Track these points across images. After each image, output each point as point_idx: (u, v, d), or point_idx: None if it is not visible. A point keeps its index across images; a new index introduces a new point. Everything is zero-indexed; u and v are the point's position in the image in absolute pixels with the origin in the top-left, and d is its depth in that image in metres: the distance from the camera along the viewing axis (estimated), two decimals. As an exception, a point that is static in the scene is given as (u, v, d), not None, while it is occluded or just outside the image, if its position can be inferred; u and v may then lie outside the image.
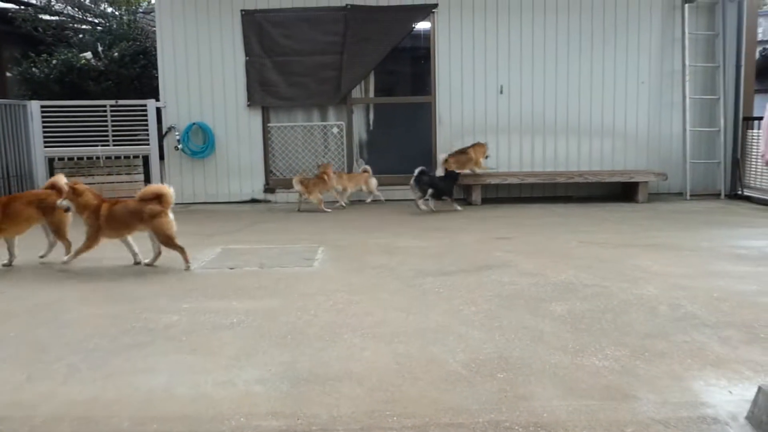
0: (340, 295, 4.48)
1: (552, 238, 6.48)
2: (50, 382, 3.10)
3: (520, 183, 9.34)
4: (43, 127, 9.34)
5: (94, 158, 9.47)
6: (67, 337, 3.73)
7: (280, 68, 9.57)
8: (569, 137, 9.71)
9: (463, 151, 9.01)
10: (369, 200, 9.40)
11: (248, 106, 9.62)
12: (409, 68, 10.54)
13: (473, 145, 9.06)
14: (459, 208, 8.47)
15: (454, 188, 8.66)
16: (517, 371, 3.11)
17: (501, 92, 9.62)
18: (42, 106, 9.35)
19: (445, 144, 9.60)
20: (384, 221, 7.81)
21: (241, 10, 9.48)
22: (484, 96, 9.63)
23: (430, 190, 8.22)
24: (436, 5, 9.47)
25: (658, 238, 6.43)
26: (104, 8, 12.84)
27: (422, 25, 9.68)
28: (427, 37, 9.72)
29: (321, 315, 4.05)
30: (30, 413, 2.75)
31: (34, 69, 10.43)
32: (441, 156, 9.05)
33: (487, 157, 9.15)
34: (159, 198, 5.34)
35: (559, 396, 2.83)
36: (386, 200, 9.49)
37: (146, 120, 9.50)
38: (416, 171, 8.11)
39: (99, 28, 12.10)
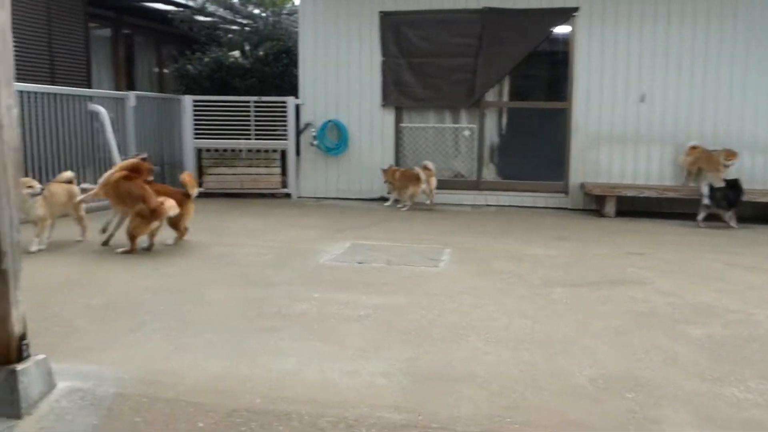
0: (464, 298, 4.49)
1: (693, 258, 6.10)
2: (193, 354, 3.35)
3: (658, 197, 8.85)
4: (194, 119, 10.06)
5: (237, 151, 10.06)
6: (209, 315, 4.02)
7: (415, 69, 9.70)
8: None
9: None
10: (428, 201, 9.10)
11: (382, 106, 9.82)
12: (545, 72, 10.32)
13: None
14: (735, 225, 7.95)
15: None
16: (648, 393, 2.97)
17: (642, 100, 9.17)
18: (194, 100, 10.07)
19: (580, 152, 9.31)
20: (512, 227, 7.71)
21: (380, 12, 9.69)
22: (623, 104, 9.21)
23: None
24: (577, 9, 9.19)
25: (815, 265, 5.87)
26: (252, 10, 13.58)
27: (561, 29, 9.43)
28: (565, 41, 9.46)
29: (445, 315, 4.08)
30: (176, 381, 3.00)
31: (188, 66, 11.24)
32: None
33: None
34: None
35: (693, 424, 2.68)
36: (507, 206, 9.35)
37: (285, 116, 9.97)
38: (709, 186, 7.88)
39: (247, 28, 12.84)
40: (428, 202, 9.03)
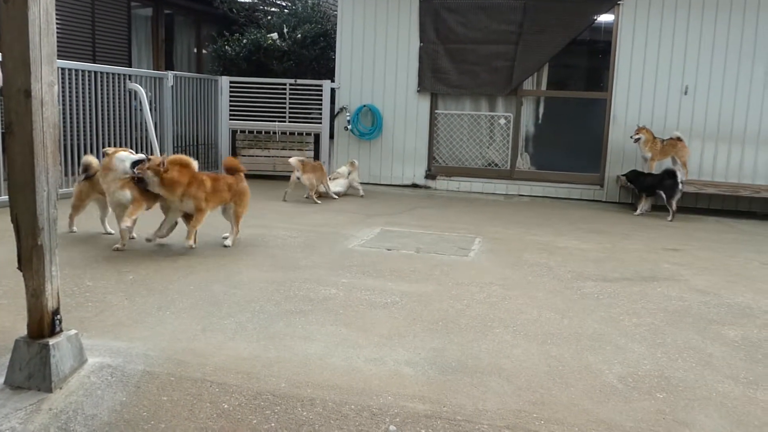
0: (494, 289, 4.44)
1: (730, 256, 5.94)
2: (221, 335, 3.38)
3: (696, 192, 8.64)
4: (230, 101, 10.12)
5: (271, 133, 10.10)
6: (237, 296, 4.05)
7: (453, 56, 9.59)
8: (759, 147, 8.80)
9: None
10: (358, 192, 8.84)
11: (418, 91, 9.75)
12: (585, 62, 10.12)
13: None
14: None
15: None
16: (679, 394, 2.90)
17: (685, 93, 8.93)
18: (231, 82, 10.13)
19: (618, 145, 9.12)
20: (544, 218, 7.60)
21: (420, -3, 9.60)
22: (665, 96, 8.99)
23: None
24: (622, -3, 8.98)
25: None
26: (291, -7, 13.60)
27: (603, 18, 9.22)
28: (608, 30, 9.24)
29: (473, 306, 4.04)
30: (203, 361, 3.02)
31: (226, 47, 11.30)
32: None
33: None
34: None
35: (725, 428, 2.61)
36: (541, 197, 9.23)
37: (321, 99, 9.97)
38: None
39: (285, 10, 12.85)
40: (361, 194, 8.79)
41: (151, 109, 8.53)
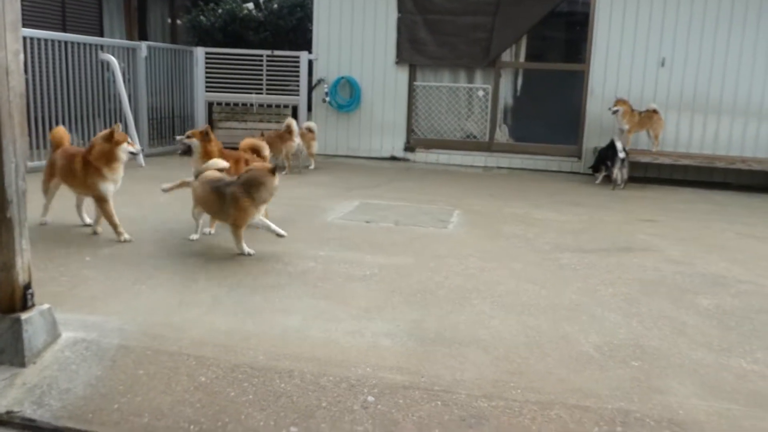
0: (472, 261, 4.46)
1: (704, 227, 6.02)
2: (197, 309, 3.35)
3: (672, 164, 8.72)
4: (206, 72, 9.94)
5: (248, 105, 9.97)
6: (214, 270, 4.01)
7: (431, 26, 9.49)
8: (734, 119, 8.89)
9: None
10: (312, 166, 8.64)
11: (396, 63, 9.65)
12: (563, 34, 10.09)
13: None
14: None
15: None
16: (653, 362, 2.94)
17: (662, 65, 8.96)
18: (206, 53, 9.94)
19: (596, 117, 9.14)
20: (522, 190, 7.63)
21: (398, -33, 9.46)
22: (642, 68, 9.00)
23: None
24: (601, -32, 8.93)
25: (830, 238, 5.78)
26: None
27: (583, -11, 9.19)
28: (585, 2, 9.20)
29: (452, 278, 4.06)
30: (179, 335, 3.00)
31: (201, 17, 11.06)
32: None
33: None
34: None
35: (698, 395, 2.65)
36: (519, 169, 9.26)
37: (298, 71, 9.84)
38: None
39: (261, -20, 12.59)
40: (311, 166, 8.60)
41: (124, 81, 8.35)
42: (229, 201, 4.20)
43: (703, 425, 2.41)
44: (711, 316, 3.58)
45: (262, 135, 7.48)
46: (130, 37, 12.21)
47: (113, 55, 8.28)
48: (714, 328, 3.41)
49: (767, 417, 2.49)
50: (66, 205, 5.16)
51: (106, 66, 8.31)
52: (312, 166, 8.61)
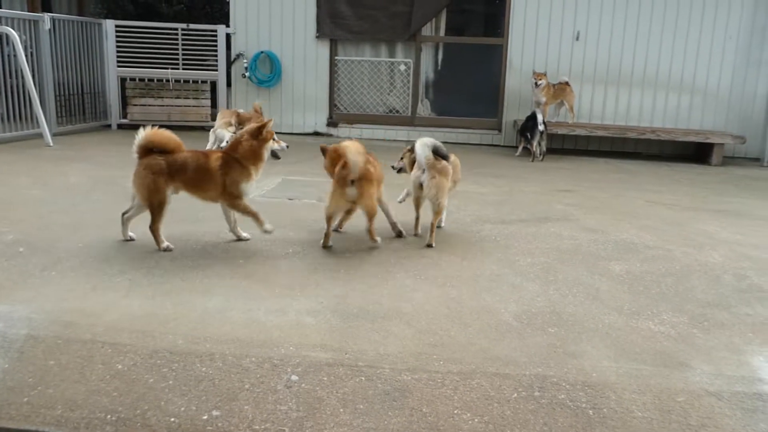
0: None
1: (617, 195, 6.28)
2: (113, 293, 3.23)
3: (587, 135, 9.03)
4: (117, 46, 9.49)
5: (164, 81, 9.60)
6: (130, 252, 3.87)
7: (351, 0, 9.38)
8: (644, 91, 9.27)
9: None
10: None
11: (317, 37, 9.51)
12: (482, 8, 10.19)
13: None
14: None
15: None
16: (569, 328, 3.06)
17: (577, 39, 9.21)
18: (117, 26, 9.48)
19: (515, 90, 9.33)
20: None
21: (316, -62, 9.27)
22: (558, 42, 9.23)
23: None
24: (517, -58, 9.03)
25: (730, 204, 6.14)
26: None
27: (501, -37, 9.29)
28: (504, -25, 9.33)
29: (375, 252, 4.07)
30: (93, 321, 2.88)
31: (109, -13, 10.52)
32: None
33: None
34: None
35: (610, 357, 2.77)
36: (441, 143, 9.33)
37: (216, 46, 9.54)
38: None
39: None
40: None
41: (26, 56, 7.86)
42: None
43: (614, 386, 2.53)
44: (622, 281, 3.75)
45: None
46: (32, 9, 11.50)
47: (13, 27, 7.76)
48: (625, 292, 3.56)
49: (672, 375, 2.64)
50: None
51: (5, 39, 7.80)
52: None
